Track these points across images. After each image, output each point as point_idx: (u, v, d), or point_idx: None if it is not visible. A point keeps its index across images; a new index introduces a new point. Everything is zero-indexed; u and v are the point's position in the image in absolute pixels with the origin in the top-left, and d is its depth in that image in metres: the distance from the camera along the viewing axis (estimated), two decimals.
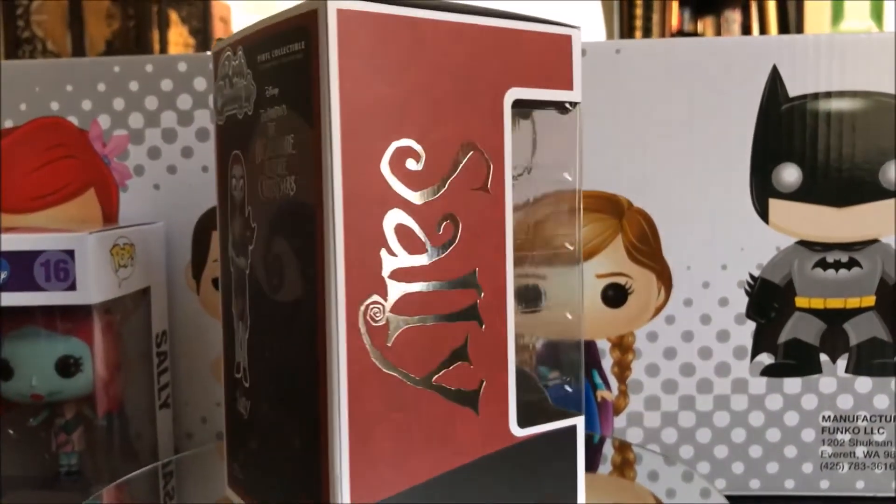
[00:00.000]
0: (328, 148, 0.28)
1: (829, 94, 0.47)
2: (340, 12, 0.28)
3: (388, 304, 0.29)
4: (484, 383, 0.31)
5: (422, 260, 0.30)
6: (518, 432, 0.32)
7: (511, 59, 0.32)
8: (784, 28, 2.38)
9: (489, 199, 0.31)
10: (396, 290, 0.29)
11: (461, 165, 0.31)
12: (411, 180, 0.29)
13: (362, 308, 0.28)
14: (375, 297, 0.29)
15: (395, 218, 0.29)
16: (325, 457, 0.29)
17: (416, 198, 0.29)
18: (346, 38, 0.28)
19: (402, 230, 0.29)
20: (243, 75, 0.32)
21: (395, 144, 0.29)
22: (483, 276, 0.31)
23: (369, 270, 0.29)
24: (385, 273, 0.29)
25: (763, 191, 0.47)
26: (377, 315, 0.29)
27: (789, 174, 0.47)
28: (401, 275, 0.29)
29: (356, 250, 0.28)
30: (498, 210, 0.31)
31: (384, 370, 0.29)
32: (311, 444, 0.30)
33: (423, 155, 0.30)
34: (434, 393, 0.30)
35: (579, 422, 0.34)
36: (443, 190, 0.30)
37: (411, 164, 0.29)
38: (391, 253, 0.29)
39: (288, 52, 0.29)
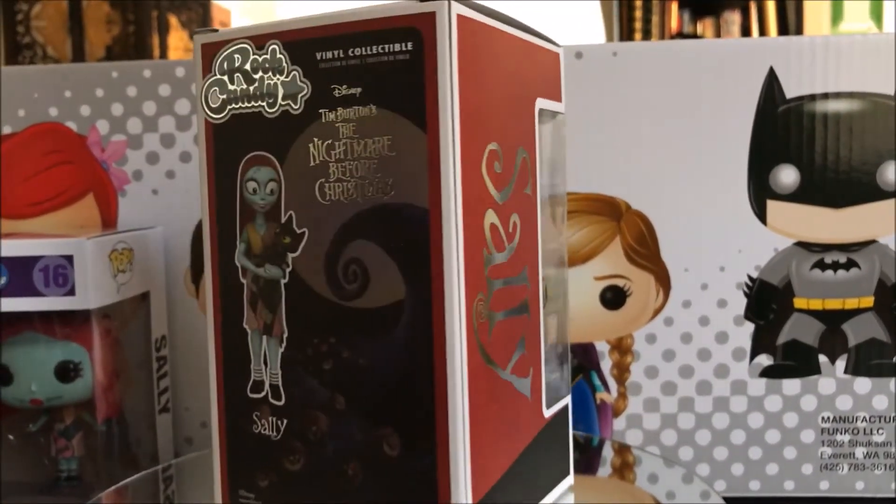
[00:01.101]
0: (448, 151, 0.29)
1: (826, 96, 0.47)
2: (459, 17, 0.29)
3: (489, 301, 0.31)
4: (532, 370, 0.34)
5: (503, 257, 0.32)
6: (546, 413, 0.36)
7: (535, 72, 0.35)
8: (783, 29, 2.38)
9: (531, 200, 0.34)
10: (492, 286, 0.31)
11: (518, 168, 0.33)
12: (497, 181, 0.31)
13: (474, 306, 0.30)
14: (481, 295, 0.30)
15: (489, 218, 0.31)
16: (443, 458, 0.30)
17: (499, 198, 0.31)
18: (461, 43, 0.29)
19: (493, 229, 0.31)
20: (281, 71, 0.32)
21: (488, 147, 0.31)
22: (530, 272, 0.34)
23: (476, 269, 0.30)
24: (486, 271, 0.31)
25: (761, 192, 0.47)
26: (482, 312, 0.30)
27: (787, 175, 0.47)
28: (494, 272, 0.31)
29: (469, 250, 0.29)
30: (535, 210, 0.35)
31: (486, 364, 0.31)
32: (414, 448, 0.30)
33: (502, 157, 0.32)
34: (509, 383, 0.33)
35: (569, 400, 0.40)
36: (511, 191, 0.32)
37: (496, 167, 0.31)
38: (488, 251, 0.31)
39: (382, 52, 0.30)
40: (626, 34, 2.46)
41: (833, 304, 0.48)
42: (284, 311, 0.32)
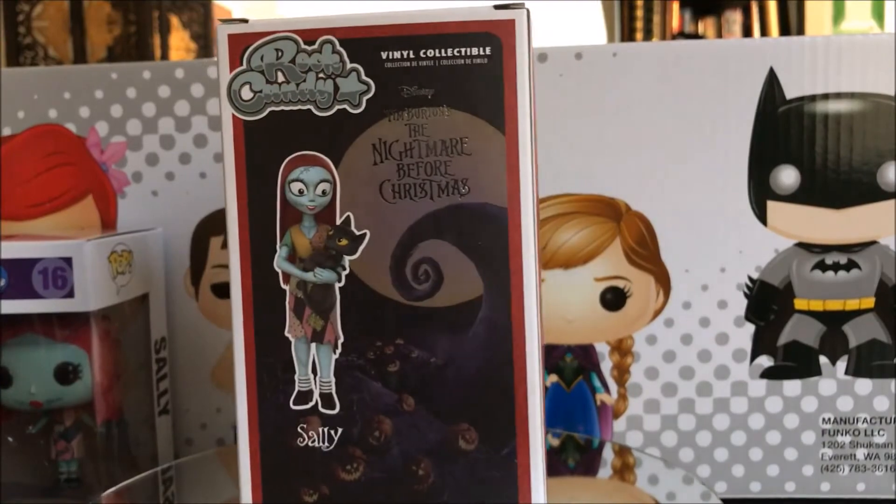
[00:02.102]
0: (526, 152, 0.31)
1: (826, 96, 0.47)
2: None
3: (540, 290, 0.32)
4: None
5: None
6: None
7: None
8: (785, 28, 2.38)
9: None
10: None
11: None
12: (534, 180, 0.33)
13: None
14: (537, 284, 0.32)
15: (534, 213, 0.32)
16: (523, 445, 0.31)
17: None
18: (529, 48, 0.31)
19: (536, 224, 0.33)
20: (337, 69, 0.31)
21: (535, 147, 0.32)
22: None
23: (537, 261, 0.32)
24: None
25: (761, 193, 0.47)
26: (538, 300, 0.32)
27: (787, 176, 0.47)
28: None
29: (537, 244, 0.32)
30: None
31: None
32: (493, 440, 0.31)
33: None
34: None
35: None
36: None
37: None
38: (537, 245, 0.32)
39: (459, 55, 0.30)
40: (628, 34, 2.46)
41: (834, 304, 0.48)
42: (339, 315, 0.31)
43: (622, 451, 0.48)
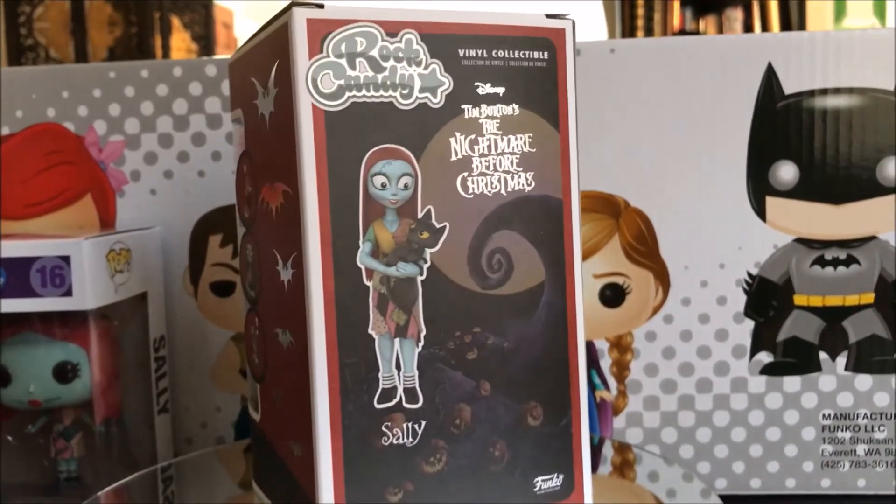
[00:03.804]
0: (574, 148, 0.34)
1: (825, 91, 0.46)
2: None
3: None
4: None
5: None
6: None
7: None
8: (786, 26, 2.38)
9: None
10: None
11: None
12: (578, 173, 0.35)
13: None
14: None
15: None
16: (576, 416, 0.34)
17: None
18: None
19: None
20: (418, 63, 0.31)
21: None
22: None
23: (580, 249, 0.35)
24: None
25: (760, 189, 0.47)
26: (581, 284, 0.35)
27: (786, 172, 0.47)
28: None
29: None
30: None
31: None
32: (554, 414, 0.34)
33: None
34: None
35: None
36: None
37: None
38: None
39: (524, 57, 0.33)
40: (629, 32, 2.45)
41: (833, 300, 0.48)
42: (422, 308, 0.31)
43: (622, 447, 0.48)
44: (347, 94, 0.30)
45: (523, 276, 0.33)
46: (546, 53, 0.33)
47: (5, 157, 0.51)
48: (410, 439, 0.32)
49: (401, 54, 0.31)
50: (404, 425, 0.32)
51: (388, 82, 0.31)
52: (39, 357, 0.45)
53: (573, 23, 0.34)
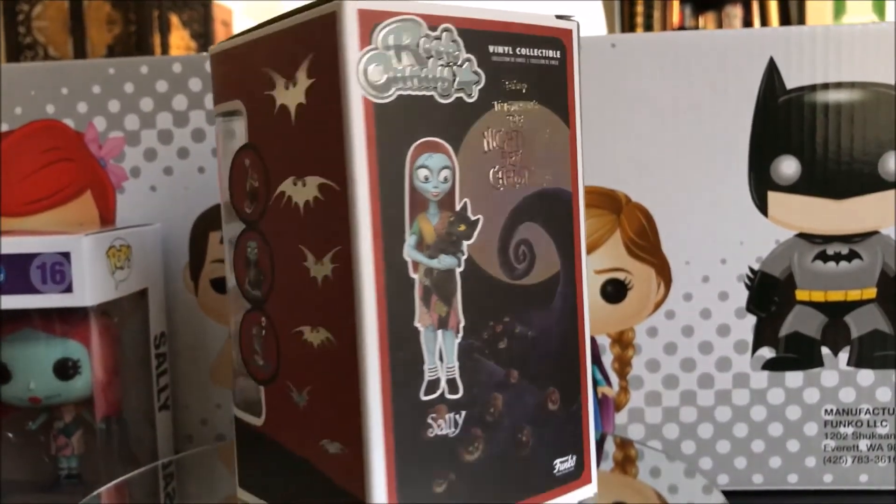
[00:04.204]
0: (580, 144, 0.35)
1: (826, 86, 0.46)
2: None
3: None
4: None
5: None
6: None
7: None
8: (785, 23, 2.38)
9: None
10: None
11: None
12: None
13: None
14: None
15: None
16: (585, 400, 0.36)
17: None
18: None
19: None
20: (455, 58, 0.31)
21: None
22: None
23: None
24: None
25: (762, 184, 0.47)
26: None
27: (788, 167, 0.47)
28: None
29: None
30: None
31: None
32: (568, 399, 0.36)
33: None
34: None
35: None
36: None
37: None
38: None
39: (541, 55, 0.34)
40: (628, 29, 2.45)
41: (835, 295, 0.48)
42: (461, 299, 0.32)
43: (624, 443, 0.48)
44: (394, 86, 0.30)
45: (543, 267, 0.35)
46: (558, 52, 0.35)
47: (5, 154, 0.51)
48: (453, 429, 0.32)
49: (441, 48, 0.31)
50: (447, 416, 0.32)
51: (430, 76, 0.31)
52: (39, 354, 0.45)
53: (578, 24, 0.35)
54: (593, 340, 0.49)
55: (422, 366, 0.31)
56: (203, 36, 2.34)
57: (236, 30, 2.40)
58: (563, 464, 0.36)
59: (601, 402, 0.49)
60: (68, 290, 0.43)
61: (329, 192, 0.30)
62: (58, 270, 0.43)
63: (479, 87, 0.32)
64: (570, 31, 0.35)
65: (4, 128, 0.51)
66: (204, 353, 0.52)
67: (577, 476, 0.36)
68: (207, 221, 0.51)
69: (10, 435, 0.47)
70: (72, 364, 0.45)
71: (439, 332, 0.31)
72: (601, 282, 0.49)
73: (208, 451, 0.49)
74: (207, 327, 0.52)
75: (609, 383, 0.49)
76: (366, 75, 0.29)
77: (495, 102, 0.32)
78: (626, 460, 0.47)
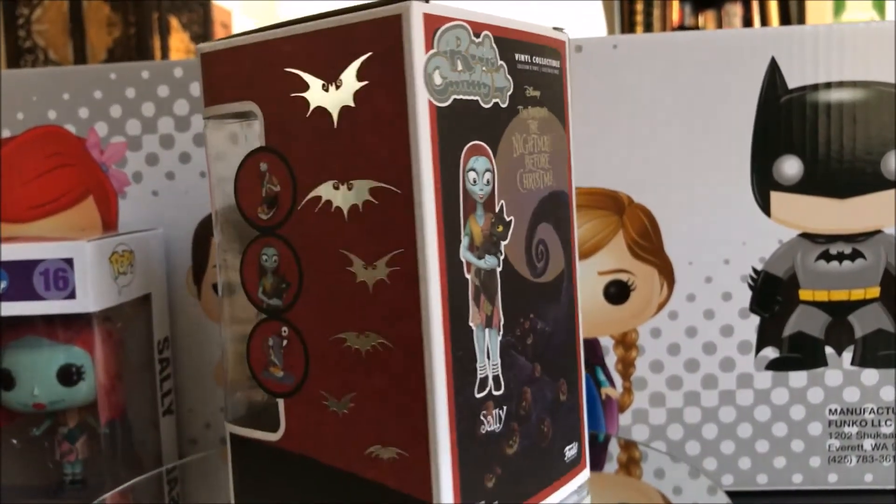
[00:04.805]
0: (573, 148, 0.38)
1: (828, 85, 0.46)
2: None
3: None
4: None
5: None
6: None
7: None
8: (785, 21, 2.37)
9: None
10: None
11: None
12: None
13: None
14: None
15: None
16: (580, 391, 0.39)
17: None
18: None
19: None
20: (495, 66, 0.32)
21: None
22: None
23: None
24: None
25: (764, 184, 0.47)
26: None
27: (790, 166, 0.47)
28: None
29: None
30: None
31: None
32: (572, 390, 0.38)
33: None
34: None
35: None
36: None
37: None
38: None
39: (547, 64, 0.36)
40: (628, 28, 2.45)
41: (839, 295, 0.47)
42: (500, 298, 0.33)
43: (628, 445, 0.48)
44: (451, 90, 0.30)
45: (554, 264, 0.36)
46: (558, 61, 0.36)
47: (7, 160, 0.51)
48: (498, 425, 0.33)
49: (483, 54, 0.32)
50: (494, 412, 0.33)
51: (476, 81, 0.31)
52: (43, 360, 0.45)
53: (568, 37, 0.38)
54: (597, 342, 0.49)
55: (474, 364, 0.32)
56: (203, 38, 2.34)
57: (235, 31, 2.40)
58: (570, 451, 0.38)
59: (605, 404, 0.49)
60: (71, 296, 0.43)
61: (384, 195, 0.30)
62: (61, 277, 0.43)
63: (510, 93, 0.33)
64: (564, 42, 0.37)
65: (6, 133, 0.51)
66: (207, 357, 0.52)
67: (578, 461, 0.38)
68: (209, 226, 0.51)
69: (15, 441, 0.47)
70: (75, 370, 0.45)
71: (486, 330, 0.32)
72: (604, 283, 0.49)
73: (212, 456, 0.49)
74: (210, 331, 0.52)
75: (613, 384, 0.49)
76: (430, 79, 0.29)
77: (520, 108, 0.34)
78: (631, 462, 0.47)
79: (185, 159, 0.51)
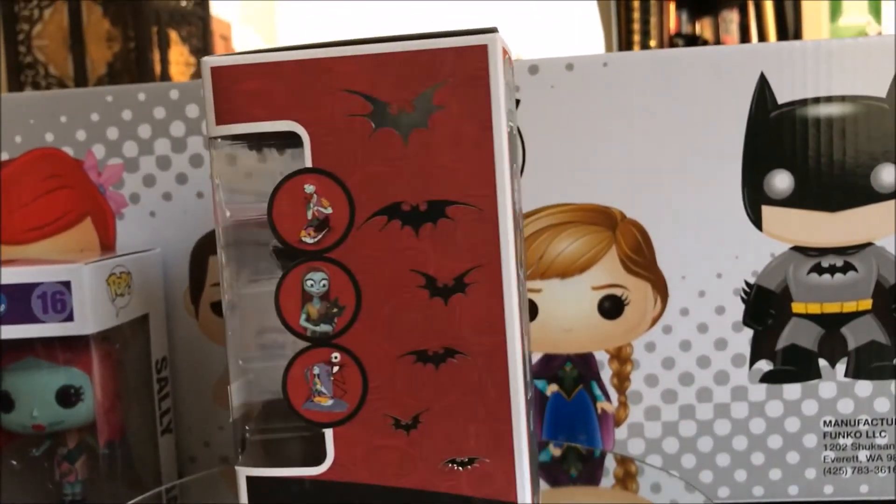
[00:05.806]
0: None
1: (817, 100, 0.47)
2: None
3: None
4: None
5: None
6: None
7: None
8: (782, 26, 2.38)
9: None
10: None
11: None
12: None
13: None
14: None
15: None
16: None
17: None
18: None
19: None
20: (515, 89, 0.35)
21: None
22: None
23: None
24: None
25: (755, 198, 0.47)
26: None
27: (781, 181, 0.47)
28: None
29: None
30: None
31: None
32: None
33: None
34: None
35: None
36: None
37: None
38: None
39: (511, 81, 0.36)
40: (625, 35, 2.46)
41: (831, 307, 0.48)
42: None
43: (624, 459, 0.48)
44: (508, 117, 0.32)
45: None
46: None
47: (5, 183, 0.52)
48: (533, 423, 0.34)
49: (511, 81, 0.33)
50: (531, 411, 0.34)
51: (510, 108, 0.33)
52: (42, 382, 0.45)
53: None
54: (592, 356, 0.49)
55: (526, 367, 0.33)
56: (202, 51, 2.34)
57: (235, 44, 2.40)
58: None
59: (601, 418, 0.50)
60: (69, 318, 0.43)
61: (462, 214, 0.32)
62: (59, 299, 0.43)
63: (513, 113, 0.34)
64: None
65: (4, 156, 0.52)
66: (205, 376, 0.53)
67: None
68: (207, 246, 0.52)
69: (14, 462, 0.48)
70: (74, 391, 0.45)
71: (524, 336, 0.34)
72: (598, 298, 0.49)
73: (212, 475, 0.49)
74: (208, 349, 0.52)
75: (608, 399, 0.49)
76: (506, 106, 0.32)
77: (511, 125, 0.34)
78: (627, 476, 0.47)
79: (182, 180, 0.51)
